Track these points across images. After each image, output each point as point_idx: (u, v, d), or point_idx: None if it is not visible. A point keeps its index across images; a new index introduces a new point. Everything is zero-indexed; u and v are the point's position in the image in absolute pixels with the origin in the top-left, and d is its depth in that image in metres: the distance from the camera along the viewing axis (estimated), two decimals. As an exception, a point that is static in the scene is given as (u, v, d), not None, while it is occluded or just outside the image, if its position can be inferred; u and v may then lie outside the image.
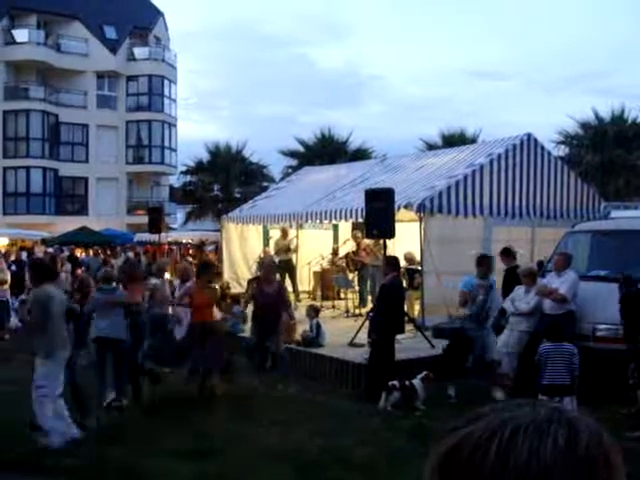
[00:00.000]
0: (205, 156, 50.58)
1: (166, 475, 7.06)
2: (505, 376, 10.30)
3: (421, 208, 14.21)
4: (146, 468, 7.17)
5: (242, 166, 49.83)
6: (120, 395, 9.61)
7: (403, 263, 14.23)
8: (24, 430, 8.11)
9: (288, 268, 19.01)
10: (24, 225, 37.11)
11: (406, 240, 15.49)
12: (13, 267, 20.73)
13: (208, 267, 12.12)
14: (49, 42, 43.42)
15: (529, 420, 0.88)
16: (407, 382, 9.66)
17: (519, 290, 10.72)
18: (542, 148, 16.96)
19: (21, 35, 42.45)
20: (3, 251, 26.65)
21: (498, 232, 14.94)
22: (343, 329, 13.86)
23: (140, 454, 7.57)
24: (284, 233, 19.22)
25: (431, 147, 41.24)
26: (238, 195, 47.39)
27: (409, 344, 11.97)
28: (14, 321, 17.40)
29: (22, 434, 8.11)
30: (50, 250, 26.36)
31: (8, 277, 17.86)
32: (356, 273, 17.90)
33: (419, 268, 14.88)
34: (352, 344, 12.36)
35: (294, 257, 19.60)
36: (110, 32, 45.43)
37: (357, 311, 16.24)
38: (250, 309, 12.62)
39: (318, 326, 12.89)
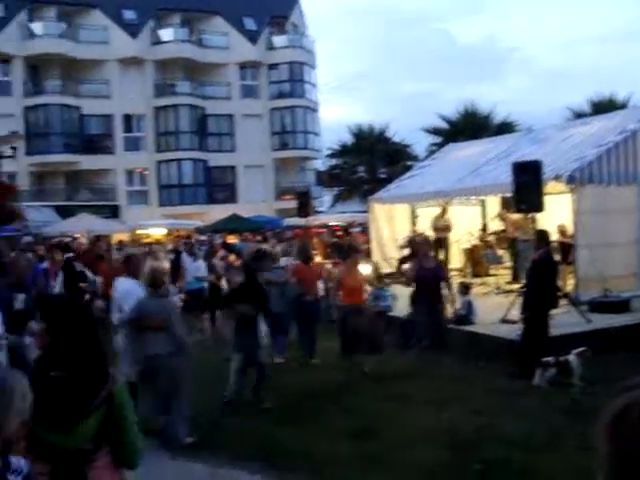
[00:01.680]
0: (349, 139, 50.87)
1: (329, 455, 7.26)
2: None
3: (571, 179, 13.77)
4: (311, 448, 7.42)
5: (386, 147, 49.75)
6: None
7: (556, 236, 13.87)
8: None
9: (445, 246, 18.92)
10: (179, 215, 38.77)
11: (556, 213, 15.06)
12: (170, 256, 21.69)
13: (355, 249, 12.29)
14: (192, 38, 45.00)
15: None
16: (562, 358, 9.46)
17: None
18: (699, 108, 16.04)
19: (167, 34, 44.30)
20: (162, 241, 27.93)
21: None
22: (494, 306, 13.65)
23: (304, 434, 7.84)
24: (443, 211, 19.12)
25: (579, 116, 39.62)
26: (383, 176, 47.35)
27: (563, 319, 11.68)
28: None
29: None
30: (203, 238, 27.26)
31: (167, 266, 18.74)
32: (507, 249, 17.61)
33: (571, 241, 14.46)
34: (504, 321, 12.17)
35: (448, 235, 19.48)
36: (249, 23, 46.52)
37: (508, 287, 15.98)
38: (399, 288, 12.67)
39: (469, 304, 12.80)
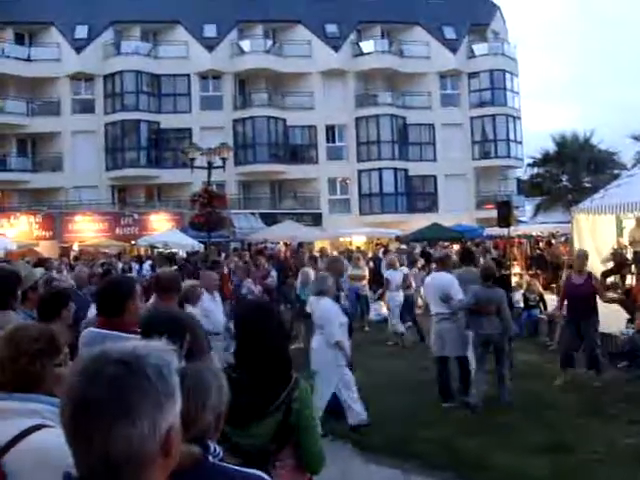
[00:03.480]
0: (551, 147, 49.36)
1: (518, 469, 7.13)
2: None
3: None
4: (498, 461, 7.34)
5: (591, 154, 47.71)
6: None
7: None
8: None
9: (644, 260, 17.94)
10: (379, 224, 39.30)
11: None
12: (371, 263, 22.13)
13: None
14: (393, 49, 45.55)
15: None
16: None
17: None
18: None
19: (367, 46, 45.17)
20: (362, 249, 28.47)
21: None
22: None
23: (492, 447, 7.78)
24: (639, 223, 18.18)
25: None
26: (588, 185, 45.49)
27: None
28: (373, 314, 18.70)
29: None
30: (404, 247, 27.42)
31: (366, 273, 19.18)
32: None
33: None
34: None
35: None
36: (449, 32, 46.39)
37: None
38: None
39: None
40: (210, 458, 2.11)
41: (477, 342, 9.87)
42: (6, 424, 2.50)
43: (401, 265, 16.30)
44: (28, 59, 41.86)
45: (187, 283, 8.17)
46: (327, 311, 8.51)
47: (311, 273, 13.77)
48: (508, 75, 46.61)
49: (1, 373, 2.70)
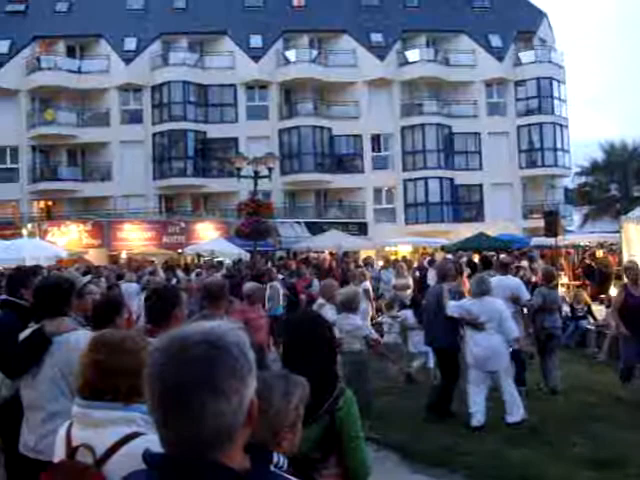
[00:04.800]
0: (600, 155, 48.78)
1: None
2: None
3: None
4: (546, 474, 7.28)
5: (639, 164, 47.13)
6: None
7: None
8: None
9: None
10: (424, 233, 39.14)
11: None
12: (417, 273, 22.07)
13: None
14: (438, 58, 45.43)
15: None
16: None
17: None
18: None
19: (413, 55, 45.12)
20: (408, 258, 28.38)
21: None
22: None
23: (540, 459, 7.71)
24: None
25: None
26: (637, 194, 44.92)
27: None
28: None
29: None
30: (449, 256, 27.31)
31: (411, 282, 19.12)
32: None
33: None
34: None
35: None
36: (495, 40, 46.07)
37: None
38: None
39: None
40: (271, 468, 2.11)
41: (541, 335, 11.08)
42: (106, 432, 2.62)
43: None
44: (79, 71, 42.66)
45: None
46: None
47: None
48: (555, 83, 46.13)
49: (105, 381, 2.79)
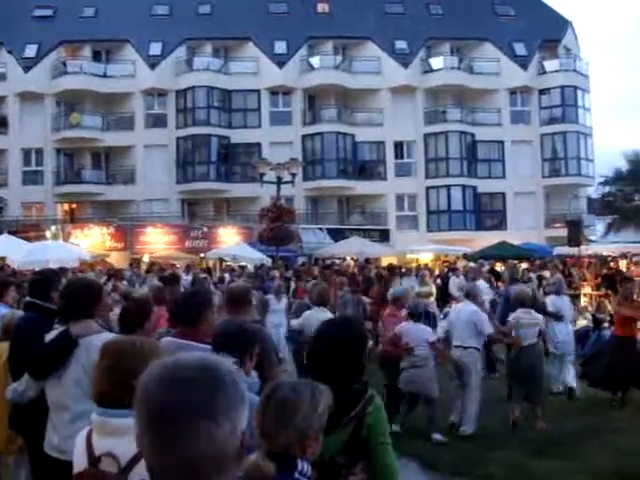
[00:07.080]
0: (624, 165, 48.35)
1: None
2: None
3: None
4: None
5: (663, 174, 46.69)
6: None
7: None
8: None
9: None
10: (446, 241, 39.00)
11: None
12: (438, 281, 22.01)
13: (628, 279, 11.78)
14: (462, 66, 45.34)
15: None
16: None
17: None
18: None
19: (437, 63, 45.05)
20: (429, 265, 28.31)
21: None
22: None
23: (563, 470, 7.66)
24: None
25: None
26: (661, 204, 44.50)
27: None
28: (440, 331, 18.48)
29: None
30: (471, 265, 27.19)
31: (434, 290, 19.09)
32: None
33: None
34: None
35: None
36: (519, 48, 45.86)
37: None
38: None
39: None
40: (295, 475, 2.10)
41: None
42: (127, 441, 2.62)
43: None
44: (104, 75, 43.06)
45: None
46: None
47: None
48: (579, 92, 45.85)
49: (118, 387, 2.80)
